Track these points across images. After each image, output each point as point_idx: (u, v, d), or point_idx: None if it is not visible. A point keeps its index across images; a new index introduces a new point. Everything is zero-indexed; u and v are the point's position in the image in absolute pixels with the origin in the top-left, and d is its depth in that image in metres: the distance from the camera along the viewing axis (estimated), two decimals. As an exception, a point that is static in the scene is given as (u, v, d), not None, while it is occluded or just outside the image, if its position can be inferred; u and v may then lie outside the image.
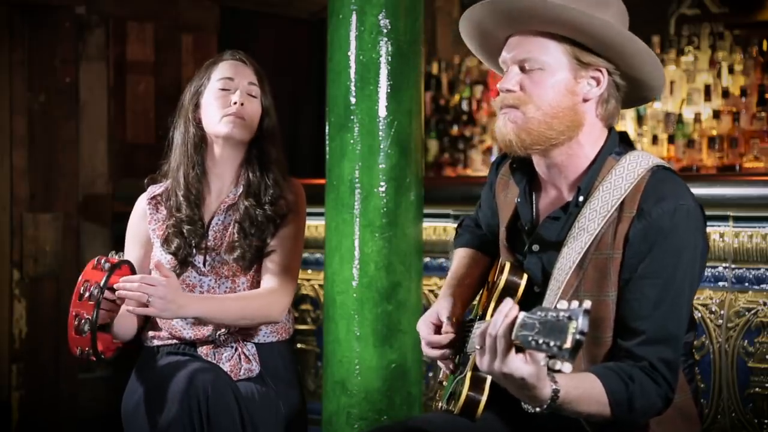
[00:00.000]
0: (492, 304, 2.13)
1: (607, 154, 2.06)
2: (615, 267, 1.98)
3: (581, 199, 2.03)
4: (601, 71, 2.04)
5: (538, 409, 1.81)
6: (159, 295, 2.49)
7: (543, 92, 2.01)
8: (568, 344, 1.57)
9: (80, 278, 2.54)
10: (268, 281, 2.72)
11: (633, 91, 2.12)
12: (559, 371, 1.63)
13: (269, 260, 2.74)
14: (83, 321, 2.50)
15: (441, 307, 2.25)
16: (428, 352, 2.23)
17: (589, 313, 1.59)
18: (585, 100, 2.04)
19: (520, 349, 1.72)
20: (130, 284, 2.49)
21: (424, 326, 2.24)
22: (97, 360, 2.57)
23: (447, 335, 2.19)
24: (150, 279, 2.51)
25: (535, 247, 2.10)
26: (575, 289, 2.00)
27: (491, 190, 2.34)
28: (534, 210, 2.15)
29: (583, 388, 1.87)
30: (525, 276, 2.11)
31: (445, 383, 2.29)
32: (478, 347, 1.77)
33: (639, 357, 1.95)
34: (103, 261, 2.57)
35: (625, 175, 2.01)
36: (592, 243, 1.99)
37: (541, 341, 1.62)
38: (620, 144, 2.10)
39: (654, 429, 2.01)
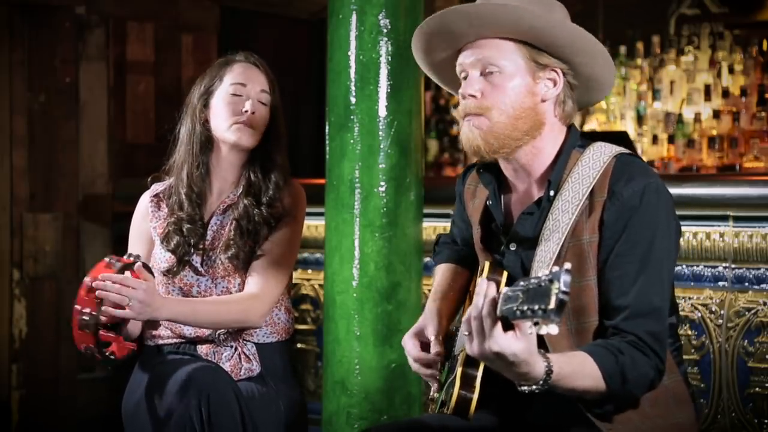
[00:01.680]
0: None
1: (571, 148, 2.13)
2: (593, 250, 2.03)
3: (552, 192, 2.09)
4: (556, 72, 2.11)
5: (534, 388, 1.83)
6: (139, 298, 2.48)
7: (504, 95, 2.08)
8: (552, 305, 1.60)
9: (89, 275, 2.54)
10: (251, 285, 2.71)
11: (586, 91, 2.19)
12: (548, 334, 1.66)
13: (257, 263, 2.73)
14: (87, 318, 2.49)
15: (427, 323, 2.26)
16: (415, 367, 2.24)
17: (570, 272, 1.62)
18: (543, 101, 2.11)
19: (508, 328, 1.74)
20: (111, 285, 2.48)
21: (410, 342, 2.25)
22: (104, 360, 2.56)
23: (435, 353, 2.21)
24: (130, 281, 2.50)
25: (512, 246, 2.14)
26: None
27: (461, 202, 2.38)
28: (504, 210, 2.20)
29: (574, 364, 1.90)
30: (505, 273, 2.13)
31: (435, 395, 2.28)
32: (466, 334, 1.80)
33: (625, 332, 1.98)
34: (114, 260, 2.56)
35: (592, 164, 2.07)
36: (568, 233, 2.04)
37: (526, 308, 1.65)
38: (581, 138, 2.16)
39: (648, 411, 2.03)
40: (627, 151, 2.12)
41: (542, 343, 1.86)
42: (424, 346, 2.24)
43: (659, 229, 2.02)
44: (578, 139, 2.15)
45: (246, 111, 2.72)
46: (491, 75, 2.08)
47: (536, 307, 1.63)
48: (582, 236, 2.03)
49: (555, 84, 2.11)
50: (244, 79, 2.76)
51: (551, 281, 1.62)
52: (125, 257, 2.61)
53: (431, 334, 2.23)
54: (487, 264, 2.18)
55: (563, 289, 1.60)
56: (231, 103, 2.74)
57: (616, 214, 2.01)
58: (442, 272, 2.44)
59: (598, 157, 2.08)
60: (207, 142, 2.79)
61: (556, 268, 1.63)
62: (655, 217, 2.02)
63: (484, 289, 1.76)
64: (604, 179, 2.04)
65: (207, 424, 2.48)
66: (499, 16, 2.04)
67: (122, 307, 2.49)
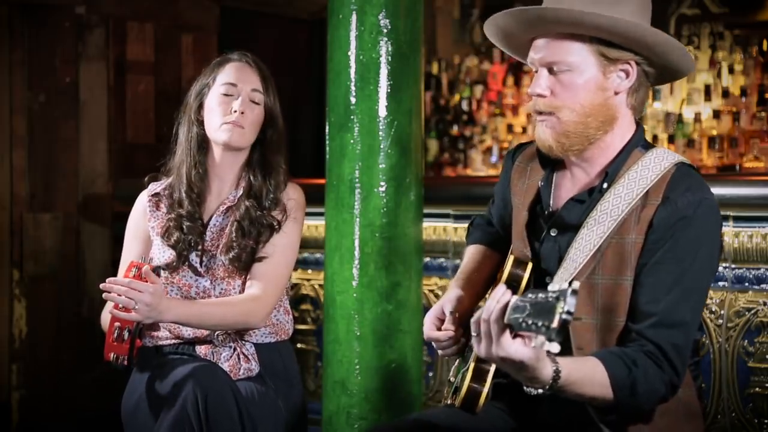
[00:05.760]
0: None
1: (634, 147, 2.11)
2: (635, 251, 2.01)
3: (606, 185, 2.07)
4: (629, 63, 2.08)
5: (540, 391, 1.83)
6: (145, 301, 2.49)
7: (574, 94, 2.05)
8: (555, 324, 1.59)
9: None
10: (253, 287, 2.71)
11: (664, 74, 2.16)
12: (548, 352, 1.64)
13: (259, 266, 2.72)
14: (124, 328, 2.54)
15: (446, 301, 2.26)
16: (435, 345, 2.23)
17: (576, 293, 1.61)
18: (616, 93, 2.08)
19: (517, 334, 1.74)
20: (118, 287, 2.49)
21: (428, 321, 2.24)
22: (129, 365, 2.60)
23: (447, 332, 2.19)
24: (137, 285, 2.50)
25: (553, 232, 2.13)
26: (592, 271, 2.04)
27: (506, 179, 2.35)
28: (553, 194, 2.18)
29: (584, 371, 1.88)
30: (528, 267, 2.13)
31: (452, 379, 2.29)
32: (474, 334, 1.79)
33: (648, 340, 1.96)
34: (143, 268, 2.58)
35: (652, 167, 2.06)
36: (614, 228, 2.02)
37: (530, 322, 1.64)
38: (645, 140, 2.15)
39: (657, 422, 2.02)
40: (688, 161, 2.10)
41: (567, 334, 1.85)
42: (442, 324, 2.23)
43: (705, 246, 2.00)
44: (643, 140, 2.13)
45: (235, 111, 2.72)
46: (560, 73, 2.06)
47: (540, 323, 1.62)
48: (627, 235, 2.02)
49: (628, 75, 2.08)
50: (235, 79, 2.76)
51: (557, 299, 1.61)
52: (143, 262, 2.65)
53: (447, 311, 2.22)
54: (511, 258, 2.17)
55: (567, 309, 1.59)
56: (222, 103, 2.74)
57: (666, 221, 1.99)
58: (471, 254, 2.42)
59: (660, 162, 2.06)
60: (203, 143, 2.79)
61: (565, 285, 1.62)
62: (705, 233, 2.00)
63: (498, 294, 1.75)
64: (661, 184, 2.03)
65: (205, 423, 2.49)
66: (561, 18, 2.02)
67: (129, 311, 2.51)
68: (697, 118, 4.90)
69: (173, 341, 2.76)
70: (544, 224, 2.15)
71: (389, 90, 3.15)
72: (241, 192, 2.78)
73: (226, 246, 2.73)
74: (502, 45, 2.25)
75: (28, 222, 4.69)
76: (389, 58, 3.15)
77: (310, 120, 5.67)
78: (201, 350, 2.72)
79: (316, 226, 3.93)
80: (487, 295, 2.37)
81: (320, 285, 3.90)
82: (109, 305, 2.66)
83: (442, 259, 3.68)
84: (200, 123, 2.79)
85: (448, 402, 2.27)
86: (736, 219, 3.05)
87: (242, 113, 2.72)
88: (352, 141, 3.15)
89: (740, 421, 3.01)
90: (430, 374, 3.60)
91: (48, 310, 4.70)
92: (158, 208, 2.83)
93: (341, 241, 3.17)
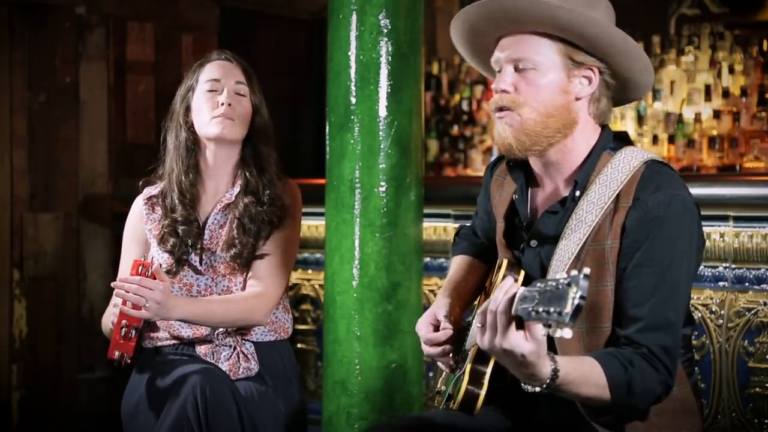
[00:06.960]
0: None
1: (602, 150, 2.11)
2: (613, 256, 2.01)
3: (578, 193, 2.07)
4: (592, 70, 2.08)
5: (537, 389, 1.83)
6: (156, 299, 2.51)
7: (537, 92, 2.06)
8: (568, 308, 1.59)
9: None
10: (255, 285, 2.73)
11: (623, 90, 2.16)
12: (560, 338, 1.63)
13: (259, 263, 2.74)
14: (132, 326, 2.55)
15: (438, 307, 2.26)
16: (428, 350, 2.24)
17: (588, 277, 1.60)
18: (577, 99, 2.09)
19: (521, 327, 1.74)
20: (129, 285, 2.51)
21: (422, 326, 2.25)
22: (131, 364, 2.61)
23: (445, 332, 2.20)
24: (148, 282, 2.52)
25: (533, 243, 2.13)
26: None
27: (486, 193, 2.37)
28: (530, 206, 2.19)
29: (582, 370, 1.88)
30: (522, 272, 2.13)
31: (443, 388, 2.29)
32: (479, 325, 1.79)
33: (638, 344, 1.97)
34: (150, 267, 2.59)
35: (621, 168, 2.05)
36: (590, 234, 2.02)
37: (541, 310, 1.63)
38: (614, 141, 2.14)
39: (654, 421, 2.02)
40: (659, 158, 2.10)
41: (552, 342, 1.85)
42: (437, 330, 2.23)
43: (681, 243, 2.00)
44: (611, 141, 2.13)
45: (222, 103, 2.73)
46: (525, 71, 2.06)
47: (552, 309, 1.61)
48: (603, 241, 2.02)
49: (590, 82, 2.08)
50: (218, 75, 2.78)
51: (569, 285, 1.60)
52: (147, 261, 2.66)
53: (442, 316, 2.22)
54: (505, 261, 2.18)
55: (581, 294, 1.58)
56: (208, 99, 2.76)
57: (639, 223, 1.99)
58: (458, 264, 2.43)
59: (628, 162, 2.05)
60: (193, 146, 2.80)
61: (574, 272, 1.61)
62: (679, 230, 1.99)
63: (506, 285, 1.75)
64: (631, 185, 2.02)
65: (204, 424, 2.49)
66: (537, 11, 2.02)
67: (139, 308, 2.52)
68: (698, 118, 4.90)
69: (173, 342, 2.76)
70: (524, 235, 2.16)
71: (389, 90, 3.15)
72: (238, 189, 2.78)
73: (227, 243, 2.74)
74: (467, 49, 2.24)
75: (28, 222, 4.69)
76: (389, 58, 3.15)
77: (310, 120, 5.67)
78: (201, 350, 2.73)
79: (316, 226, 3.93)
80: (475, 303, 2.38)
81: (320, 285, 3.90)
82: (111, 307, 2.66)
83: (442, 259, 3.68)
84: (189, 127, 2.79)
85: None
86: (736, 219, 3.05)
87: (229, 105, 2.73)
88: (352, 141, 3.15)
89: (740, 421, 3.01)
90: (431, 374, 3.60)
91: (48, 311, 4.70)
92: (154, 211, 2.84)
93: (341, 241, 3.17)
